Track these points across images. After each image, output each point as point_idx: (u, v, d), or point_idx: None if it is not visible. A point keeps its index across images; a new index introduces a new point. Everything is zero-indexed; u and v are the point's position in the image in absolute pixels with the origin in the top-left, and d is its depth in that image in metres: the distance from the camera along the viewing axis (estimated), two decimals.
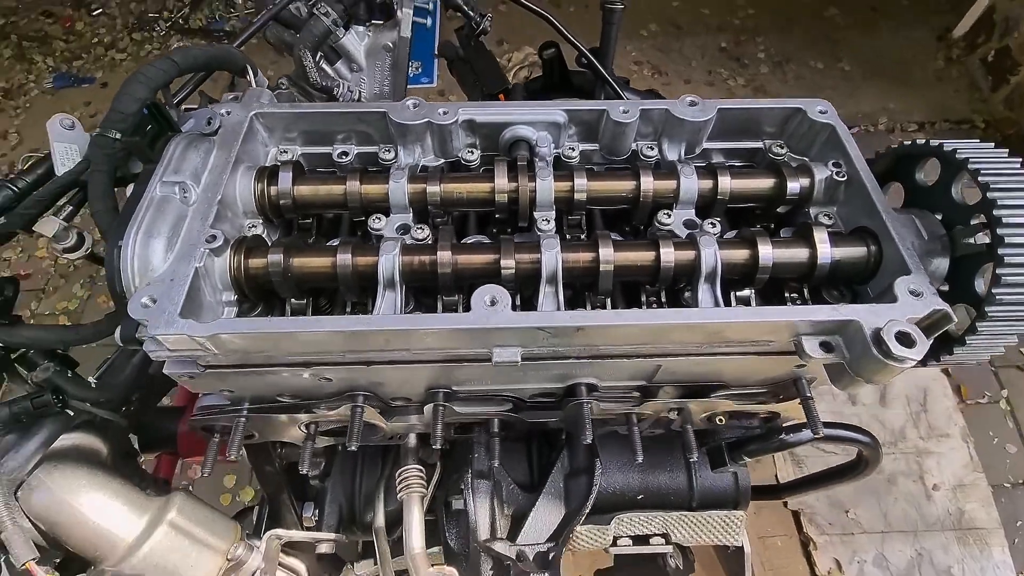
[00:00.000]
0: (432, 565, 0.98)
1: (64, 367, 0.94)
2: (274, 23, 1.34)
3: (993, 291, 0.71)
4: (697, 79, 4.46)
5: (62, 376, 0.90)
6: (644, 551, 1.13)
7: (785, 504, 2.78)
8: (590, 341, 0.77)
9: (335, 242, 0.89)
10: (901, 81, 4.36)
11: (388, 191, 0.89)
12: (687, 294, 0.87)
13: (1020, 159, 0.75)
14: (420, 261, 0.82)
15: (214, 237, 0.78)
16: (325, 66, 1.45)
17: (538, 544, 0.99)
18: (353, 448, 0.85)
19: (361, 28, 1.47)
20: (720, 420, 1.04)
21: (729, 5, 4.92)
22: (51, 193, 0.89)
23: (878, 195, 0.84)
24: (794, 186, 0.90)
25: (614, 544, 1.11)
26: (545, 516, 1.03)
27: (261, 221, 0.92)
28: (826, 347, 0.74)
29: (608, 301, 0.89)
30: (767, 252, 0.82)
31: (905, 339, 0.68)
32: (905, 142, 0.89)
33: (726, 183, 0.91)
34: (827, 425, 1.02)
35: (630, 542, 1.12)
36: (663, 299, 0.90)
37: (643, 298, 0.91)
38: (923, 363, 0.84)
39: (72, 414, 0.93)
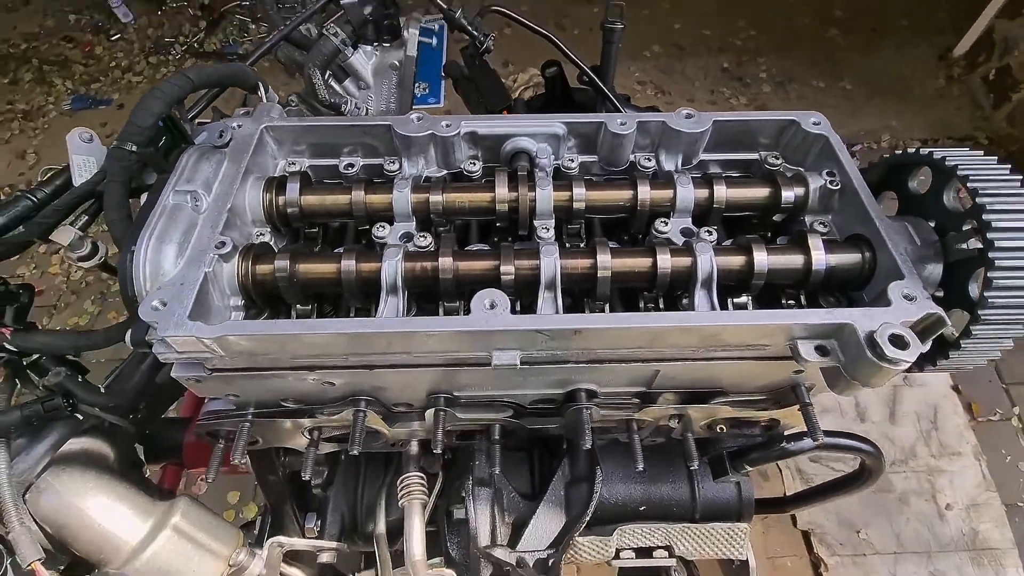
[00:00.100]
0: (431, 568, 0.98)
1: (75, 372, 0.96)
2: (285, 43, 1.39)
3: (985, 295, 0.72)
4: (700, 98, 4.53)
5: (73, 380, 0.92)
6: (647, 564, 1.12)
7: (795, 523, 2.74)
8: (588, 345, 0.78)
9: (340, 250, 0.92)
10: (903, 100, 4.40)
11: (392, 200, 0.92)
12: (684, 301, 0.89)
13: (1008, 166, 0.77)
14: (422, 267, 0.84)
15: (223, 243, 0.81)
16: (334, 84, 1.50)
17: (538, 551, 0.99)
18: (355, 452, 0.86)
19: (369, 48, 1.53)
20: (721, 428, 1.04)
21: (730, 27, 5.01)
22: (68, 203, 0.93)
23: (871, 203, 0.86)
24: (789, 195, 0.92)
25: (617, 557, 1.10)
26: (546, 523, 1.03)
27: (269, 229, 0.95)
28: (821, 351, 0.75)
29: (607, 307, 0.91)
30: (762, 258, 0.84)
31: (899, 341, 0.69)
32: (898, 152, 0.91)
33: (722, 192, 0.93)
34: (829, 434, 1.02)
35: (633, 555, 1.11)
36: (661, 306, 0.92)
37: (641, 305, 0.92)
38: (921, 368, 0.85)
39: (81, 418, 0.95)
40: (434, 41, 1.63)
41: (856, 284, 0.86)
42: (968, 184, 0.75)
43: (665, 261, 0.84)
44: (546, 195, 0.91)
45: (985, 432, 2.94)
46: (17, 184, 4.25)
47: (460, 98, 1.75)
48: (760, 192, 0.94)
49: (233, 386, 0.85)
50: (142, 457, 1.22)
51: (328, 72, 1.44)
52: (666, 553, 1.12)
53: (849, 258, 0.84)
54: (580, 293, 0.91)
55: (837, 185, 0.91)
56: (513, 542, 1.02)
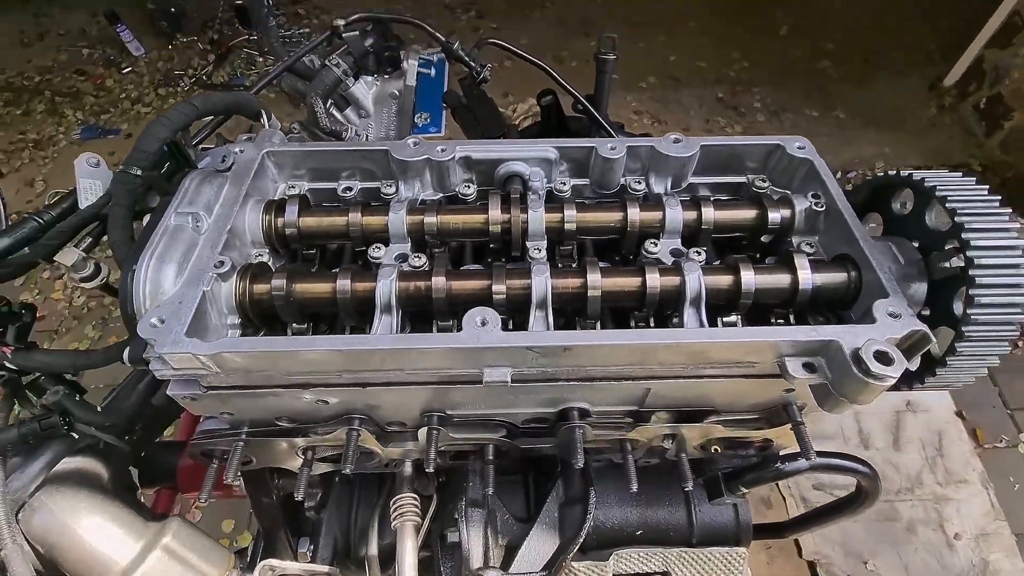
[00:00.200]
0: None
1: (73, 391, 0.97)
2: (289, 74, 1.45)
3: (968, 312, 0.73)
4: (695, 127, 4.62)
5: (70, 399, 0.93)
6: None
7: (800, 553, 2.68)
8: (578, 362, 0.79)
9: (336, 270, 0.93)
10: (896, 128, 4.49)
11: (388, 221, 0.94)
12: (674, 320, 0.90)
13: (987, 186, 0.79)
14: (416, 286, 0.86)
15: (222, 263, 0.83)
16: (335, 112, 1.55)
17: (531, 573, 0.98)
18: (348, 471, 0.86)
19: (370, 78, 1.58)
20: (715, 449, 1.03)
21: (725, 59, 5.15)
22: (73, 225, 0.95)
23: (855, 223, 0.88)
24: (775, 216, 0.94)
25: None
26: (539, 545, 1.02)
27: (268, 250, 0.97)
28: (809, 368, 0.76)
29: (598, 326, 0.92)
30: (749, 278, 0.85)
31: (883, 357, 0.70)
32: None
33: (710, 214, 0.95)
34: (822, 454, 1.02)
35: None
36: (651, 325, 0.93)
37: (632, 324, 0.93)
38: (910, 386, 0.85)
39: (76, 437, 0.95)
40: (433, 72, 1.69)
41: (843, 303, 0.87)
42: (947, 204, 0.77)
43: (654, 280, 0.85)
44: (538, 217, 0.94)
45: (991, 459, 2.90)
46: (24, 211, 4.32)
47: (459, 128, 1.80)
48: (747, 213, 0.96)
49: (228, 404, 0.86)
50: (136, 481, 1.22)
51: (330, 101, 1.49)
52: None
53: (835, 277, 0.86)
54: (572, 312, 0.92)
55: (822, 206, 0.94)
56: (506, 565, 1.01)
